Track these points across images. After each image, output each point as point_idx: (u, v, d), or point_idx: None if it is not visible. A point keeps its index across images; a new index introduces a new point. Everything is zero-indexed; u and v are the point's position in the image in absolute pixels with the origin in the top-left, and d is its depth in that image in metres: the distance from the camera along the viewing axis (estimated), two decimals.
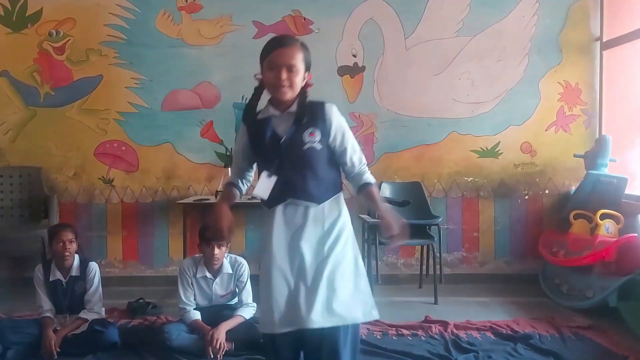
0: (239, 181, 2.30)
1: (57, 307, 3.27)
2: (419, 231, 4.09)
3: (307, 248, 2.05)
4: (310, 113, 2.06)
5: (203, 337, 3.07)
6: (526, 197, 4.72)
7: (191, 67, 4.63)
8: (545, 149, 4.68)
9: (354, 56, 4.59)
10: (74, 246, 3.27)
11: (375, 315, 2.08)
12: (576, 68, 4.65)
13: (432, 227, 4.16)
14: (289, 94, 2.03)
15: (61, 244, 3.23)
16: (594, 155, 4.31)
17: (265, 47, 2.05)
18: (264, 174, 2.09)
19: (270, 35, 4.44)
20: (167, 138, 4.67)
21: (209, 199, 4.34)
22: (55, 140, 4.66)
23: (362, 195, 2.17)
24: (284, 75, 1.98)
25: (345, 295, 2.01)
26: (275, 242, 2.08)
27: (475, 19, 4.61)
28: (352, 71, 4.60)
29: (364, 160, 2.19)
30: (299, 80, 2.03)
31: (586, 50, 4.65)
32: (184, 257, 4.03)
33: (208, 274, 3.30)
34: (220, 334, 3.04)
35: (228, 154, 4.53)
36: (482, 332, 3.41)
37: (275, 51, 2.00)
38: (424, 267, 4.47)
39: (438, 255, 4.16)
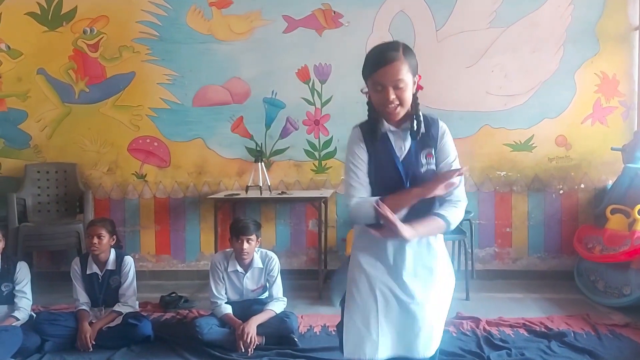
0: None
1: (93, 300, 3.35)
2: None
3: (418, 276, 1.89)
4: (426, 131, 1.89)
5: (234, 331, 3.11)
6: (561, 191, 4.62)
7: (221, 63, 4.66)
8: (581, 142, 4.56)
9: None
10: (103, 242, 3.32)
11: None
12: (614, 58, 4.51)
13: (464, 222, 4.11)
14: (401, 112, 1.86)
15: (90, 238, 3.30)
16: (632, 149, 4.18)
17: (366, 65, 1.86)
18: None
19: (301, 30, 4.56)
20: (198, 133, 4.71)
21: (239, 194, 4.37)
22: (89, 137, 4.76)
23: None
24: (392, 95, 1.80)
25: (442, 323, 1.94)
26: (381, 268, 1.91)
27: (508, 9, 4.51)
28: None
29: (463, 197, 1.92)
30: (409, 94, 1.84)
31: (624, 39, 4.51)
32: (215, 252, 4.07)
33: (239, 268, 3.33)
34: (251, 328, 3.07)
35: (258, 149, 4.55)
36: (515, 329, 3.36)
37: (378, 71, 1.80)
38: (455, 262, 4.41)
39: (470, 250, 4.10)
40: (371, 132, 1.91)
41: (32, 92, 4.75)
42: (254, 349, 3.05)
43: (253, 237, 3.27)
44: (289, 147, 4.68)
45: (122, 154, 4.76)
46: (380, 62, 1.81)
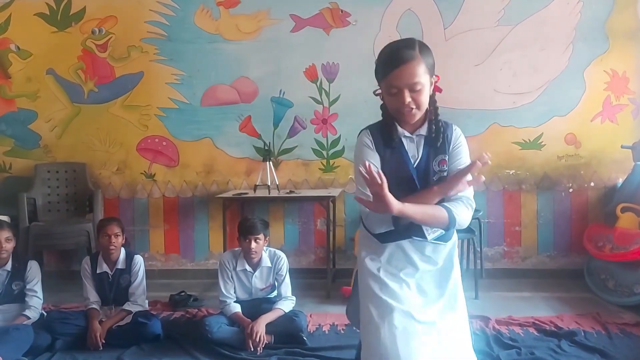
0: None
1: (103, 299, 3.37)
2: None
3: (433, 291, 1.82)
4: (442, 136, 1.82)
5: (243, 329, 3.11)
6: (570, 190, 4.59)
7: (229, 62, 4.67)
8: (590, 140, 4.53)
9: None
10: (119, 240, 3.36)
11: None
12: (624, 56, 4.48)
13: (473, 220, 4.07)
14: (418, 115, 1.76)
15: (107, 237, 3.32)
16: None
17: (379, 66, 1.75)
18: None
19: (308, 29, 4.56)
20: (207, 133, 4.72)
21: (247, 193, 4.38)
22: (99, 136, 4.78)
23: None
24: (408, 98, 1.70)
25: (466, 340, 1.87)
26: (395, 282, 1.81)
27: (517, 7, 4.49)
28: None
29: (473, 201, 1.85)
30: (426, 97, 1.74)
31: (634, 36, 4.47)
32: (224, 251, 4.08)
33: (248, 267, 3.33)
34: (260, 326, 3.07)
35: (266, 148, 4.55)
36: (524, 328, 3.35)
37: (393, 72, 1.69)
38: (464, 261, 4.41)
39: (479, 249, 4.09)
40: (384, 137, 1.82)
41: (42, 93, 4.78)
42: (263, 348, 3.06)
43: (261, 236, 3.28)
44: (297, 146, 4.68)
45: (131, 153, 4.78)
46: (395, 62, 1.69)
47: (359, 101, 4.44)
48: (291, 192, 4.45)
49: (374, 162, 1.80)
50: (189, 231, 4.79)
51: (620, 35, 4.46)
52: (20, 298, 3.25)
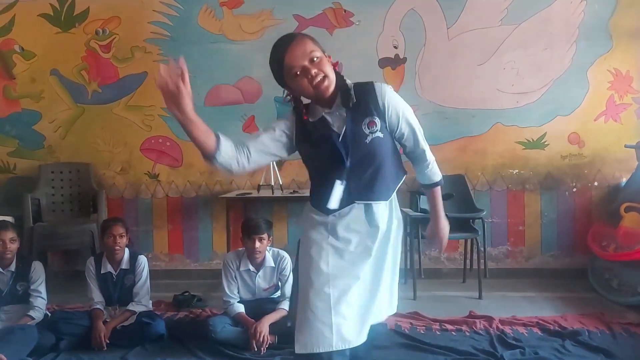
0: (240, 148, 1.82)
1: (107, 299, 3.38)
2: (462, 225, 4.04)
3: (374, 249, 1.87)
4: (361, 98, 1.79)
5: (247, 330, 3.12)
6: (574, 189, 4.58)
7: (233, 63, 4.67)
8: (594, 140, 4.52)
9: (395, 47, 4.53)
10: (124, 240, 3.38)
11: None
12: (627, 55, 4.46)
13: (476, 220, 4.09)
14: (332, 86, 1.76)
15: (112, 238, 3.33)
16: None
17: (274, 61, 1.78)
18: (337, 183, 1.82)
19: (311, 29, 4.56)
20: None
21: (251, 193, 4.39)
22: (102, 137, 4.79)
23: (426, 194, 2.09)
24: (313, 70, 1.71)
25: (394, 287, 2.00)
26: (338, 251, 1.87)
27: (520, 6, 4.48)
28: (393, 63, 4.56)
29: (427, 147, 1.97)
30: (329, 68, 1.75)
31: (638, 35, 4.45)
32: (228, 251, 4.08)
33: (251, 267, 3.34)
34: (264, 327, 3.08)
35: None
36: (528, 328, 3.34)
37: (287, 52, 1.72)
38: (468, 261, 4.40)
39: (482, 249, 4.08)
40: (308, 114, 1.85)
41: (46, 93, 4.79)
42: (266, 348, 3.06)
43: (265, 236, 3.28)
44: None
45: (135, 153, 4.79)
46: (283, 45, 1.74)
47: None
48: (294, 192, 4.45)
49: (278, 131, 1.87)
50: (193, 231, 4.80)
51: (623, 35, 4.44)
52: (24, 299, 3.27)
